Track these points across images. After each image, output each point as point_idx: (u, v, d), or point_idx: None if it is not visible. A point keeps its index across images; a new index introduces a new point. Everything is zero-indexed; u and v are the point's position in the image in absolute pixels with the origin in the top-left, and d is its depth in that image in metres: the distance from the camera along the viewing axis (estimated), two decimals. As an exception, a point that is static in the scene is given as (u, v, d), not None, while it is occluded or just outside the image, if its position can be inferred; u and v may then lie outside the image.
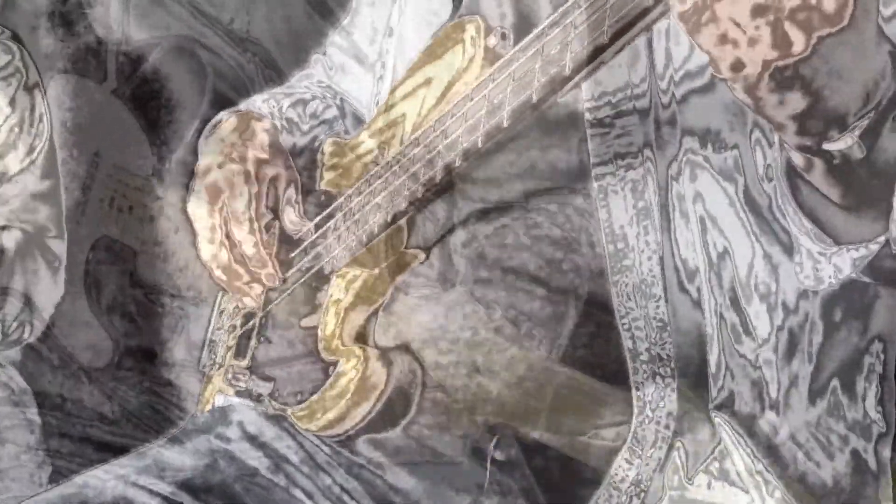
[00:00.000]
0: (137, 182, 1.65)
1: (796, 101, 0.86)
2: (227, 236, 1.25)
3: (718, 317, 1.10)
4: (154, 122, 1.65)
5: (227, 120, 1.29)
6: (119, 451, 1.23)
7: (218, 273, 1.27)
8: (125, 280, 1.65)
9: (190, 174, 1.29)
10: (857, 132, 0.89)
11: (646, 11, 0.91)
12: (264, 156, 1.27)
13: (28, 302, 1.53)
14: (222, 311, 1.37)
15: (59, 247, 1.55)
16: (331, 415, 1.20)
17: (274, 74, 1.70)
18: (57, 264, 1.54)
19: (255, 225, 1.25)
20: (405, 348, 1.20)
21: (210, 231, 1.25)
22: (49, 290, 1.55)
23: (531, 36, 1.04)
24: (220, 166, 1.26)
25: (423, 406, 1.19)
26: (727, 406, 1.10)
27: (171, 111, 1.65)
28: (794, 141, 0.91)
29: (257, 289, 1.28)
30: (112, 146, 1.62)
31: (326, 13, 1.65)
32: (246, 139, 1.27)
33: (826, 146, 0.90)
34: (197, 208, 1.26)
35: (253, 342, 1.30)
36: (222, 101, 1.59)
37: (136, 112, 1.64)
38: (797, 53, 0.82)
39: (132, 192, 1.64)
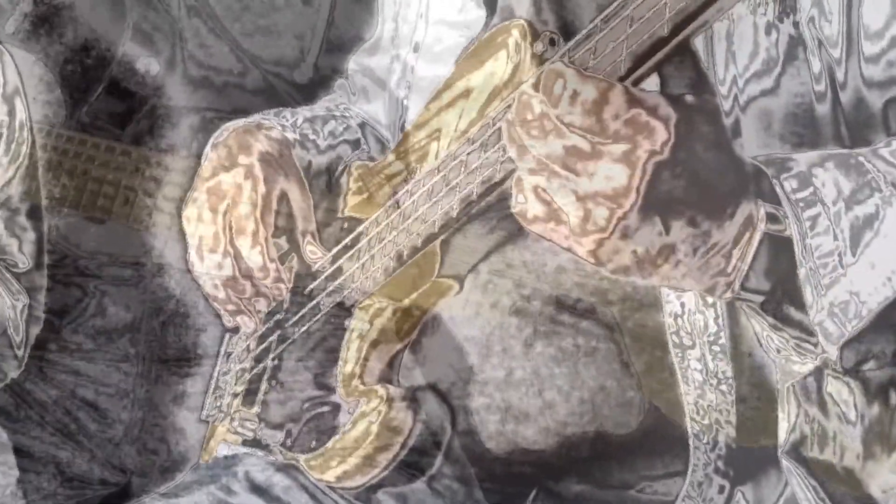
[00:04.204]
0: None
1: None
2: (232, 244, 1.16)
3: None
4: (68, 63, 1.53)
5: (235, 127, 1.23)
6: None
7: (215, 289, 1.19)
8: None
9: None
10: (736, 282, 0.90)
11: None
12: (272, 162, 1.19)
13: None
14: (229, 355, 1.26)
15: (37, 280, 1.44)
16: (348, 464, 1.10)
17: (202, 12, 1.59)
18: (31, 304, 1.42)
19: (262, 232, 1.17)
20: (432, 390, 1.10)
21: (213, 238, 1.17)
22: (20, 331, 1.43)
23: (579, 37, 0.96)
24: (226, 170, 1.19)
25: (451, 455, 1.10)
26: (798, 450, 0.99)
27: (86, 51, 1.53)
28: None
29: (261, 304, 1.19)
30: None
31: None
32: (253, 143, 1.20)
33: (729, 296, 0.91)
34: (197, 214, 1.18)
35: (264, 387, 1.19)
36: (144, 39, 1.50)
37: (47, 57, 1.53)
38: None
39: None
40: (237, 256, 1.17)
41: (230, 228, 1.17)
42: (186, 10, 1.52)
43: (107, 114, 1.51)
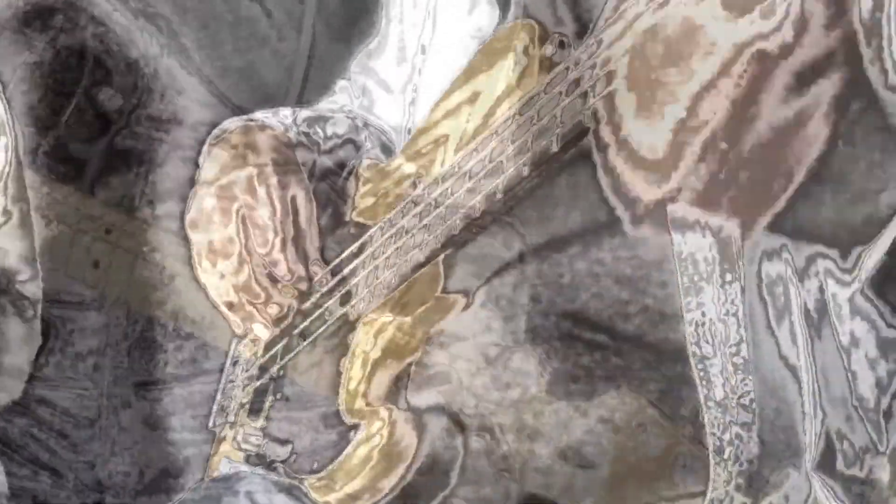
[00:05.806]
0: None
1: None
2: (248, 248, 1.11)
3: (813, 361, 0.95)
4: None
5: (235, 126, 1.17)
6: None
7: (227, 295, 1.13)
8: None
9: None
10: None
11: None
12: (280, 163, 1.14)
13: None
14: (236, 362, 1.20)
15: (33, 290, 1.37)
16: (353, 486, 1.06)
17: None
18: (31, 313, 1.36)
19: (280, 231, 1.11)
20: (442, 409, 1.05)
21: (227, 243, 1.11)
22: (23, 347, 1.37)
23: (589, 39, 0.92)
24: (234, 169, 1.13)
25: (463, 477, 1.05)
26: (826, 465, 0.95)
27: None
28: None
29: (274, 309, 1.14)
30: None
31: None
32: (261, 143, 1.14)
33: None
34: (207, 219, 1.12)
35: (269, 399, 1.14)
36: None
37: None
38: None
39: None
40: (254, 260, 1.12)
41: (245, 232, 1.12)
42: (160, 49, 1.45)
43: (70, 148, 1.44)
